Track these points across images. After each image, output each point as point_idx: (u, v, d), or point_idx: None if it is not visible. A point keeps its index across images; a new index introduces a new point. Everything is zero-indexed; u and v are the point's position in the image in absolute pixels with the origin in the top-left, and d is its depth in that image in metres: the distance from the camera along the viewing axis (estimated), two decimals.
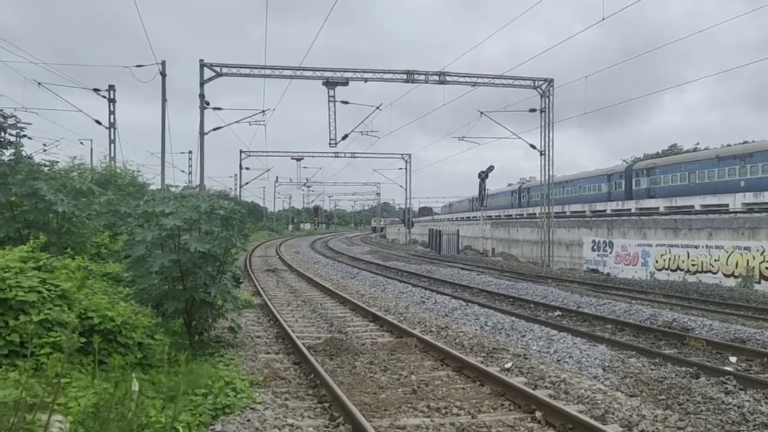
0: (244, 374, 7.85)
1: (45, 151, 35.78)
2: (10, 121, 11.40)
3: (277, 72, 29.87)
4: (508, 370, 8.74)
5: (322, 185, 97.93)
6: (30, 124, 11.43)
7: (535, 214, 39.57)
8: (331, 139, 34.36)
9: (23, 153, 12.03)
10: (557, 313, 15.28)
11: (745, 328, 12.43)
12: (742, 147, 33.94)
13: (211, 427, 5.66)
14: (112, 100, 32.42)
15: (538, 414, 6.59)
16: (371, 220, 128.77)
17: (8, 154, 11.54)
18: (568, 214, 42.33)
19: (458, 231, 51.59)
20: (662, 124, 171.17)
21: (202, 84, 29.01)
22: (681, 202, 32.75)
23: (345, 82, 30.30)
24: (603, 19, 21.95)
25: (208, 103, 29.96)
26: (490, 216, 52.00)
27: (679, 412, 7.05)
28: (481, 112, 33.91)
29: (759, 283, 20.95)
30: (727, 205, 28.81)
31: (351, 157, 60.02)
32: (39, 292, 6.51)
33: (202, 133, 29.44)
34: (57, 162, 11.97)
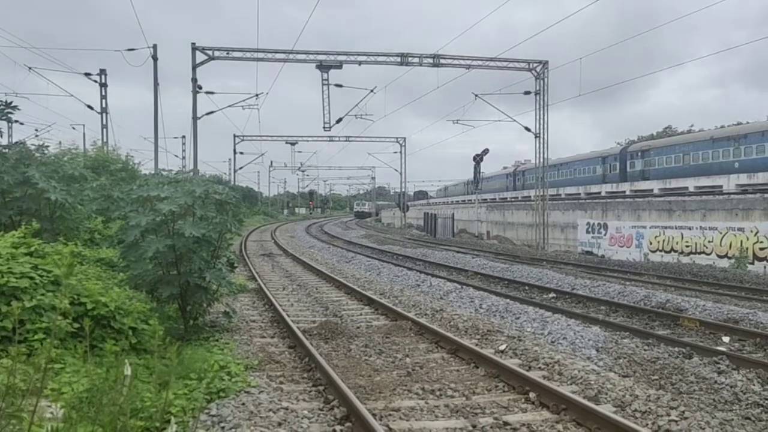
0: (239, 358, 7.86)
1: (37, 136, 35.60)
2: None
3: (269, 55, 29.65)
4: (502, 352, 8.78)
5: (316, 169, 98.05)
6: (18, 107, 11.24)
7: (530, 196, 39.61)
8: (325, 123, 34.23)
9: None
10: (552, 295, 15.34)
11: (739, 309, 12.50)
12: (736, 128, 33.96)
13: (206, 411, 5.67)
14: (103, 85, 32.16)
15: (532, 395, 6.63)
16: (354, 204, 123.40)
17: None
18: (562, 196, 42.41)
19: (453, 214, 51.61)
20: (658, 103, 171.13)
21: (194, 68, 28.80)
22: (675, 183, 32.83)
23: (339, 65, 30.13)
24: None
25: (200, 87, 29.77)
26: (485, 199, 52.05)
27: (671, 391, 7.10)
28: (476, 95, 33.82)
29: (752, 263, 21.07)
30: (721, 187, 28.88)
31: (345, 141, 59.93)
32: (31, 278, 6.49)
33: (195, 118, 29.27)
34: (47, 146, 11.82)
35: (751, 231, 21.44)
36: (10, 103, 11.16)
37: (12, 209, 10.36)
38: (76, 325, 6.06)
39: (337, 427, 5.79)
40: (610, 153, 43.19)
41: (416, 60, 29.99)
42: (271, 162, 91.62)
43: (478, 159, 48.78)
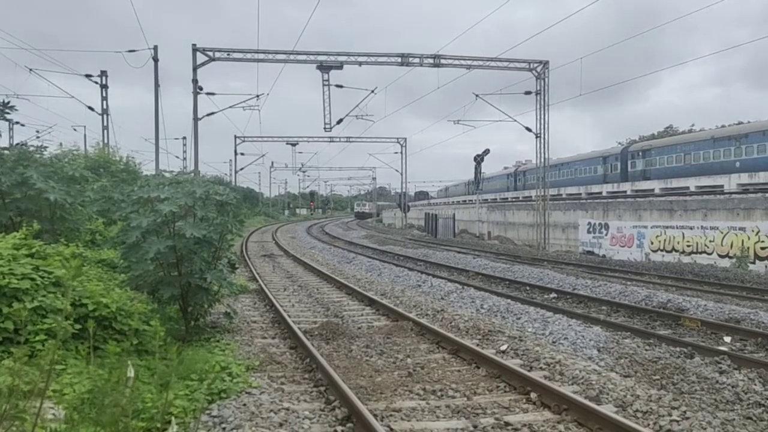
0: (240, 359, 7.87)
1: (38, 137, 35.63)
2: None
3: (270, 56, 29.66)
4: (503, 352, 8.77)
5: (317, 170, 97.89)
6: (15, 107, 11.16)
7: (530, 197, 39.60)
8: (326, 124, 34.22)
9: None
10: (553, 295, 15.34)
11: (740, 308, 12.50)
12: (737, 128, 33.93)
13: (207, 412, 5.67)
14: (104, 86, 32.18)
15: (533, 395, 6.63)
16: (354, 204, 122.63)
17: None
18: (563, 196, 42.39)
19: (454, 215, 51.61)
20: (659, 102, 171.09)
21: (195, 69, 28.80)
22: (676, 183, 32.81)
23: (339, 66, 30.13)
24: None
25: (201, 88, 29.78)
26: (486, 199, 52.04)
27: (673, 392, 7.09)
28: (477, 95, 33.83)
29: (753, 263, 21.06)
30: (722, 186, 28.86)
31: (346, 141, 59.96)
32: (32, 279, 6.50)
33: (195, 119, 29.27)
34: (46, 147, 11.80)
35: (753, 230, 21.42)
36: (8, 102, 11.10)
37: (12, 210, 10.37)
38: (78, 326, 6.08)
39: (339, 428, 5.79)
40: (611, 153, 43.19)
41: (417, 60, 29.99)
42: (272, 163, 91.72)
43: (478, 159, 48.76)
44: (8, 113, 11.22)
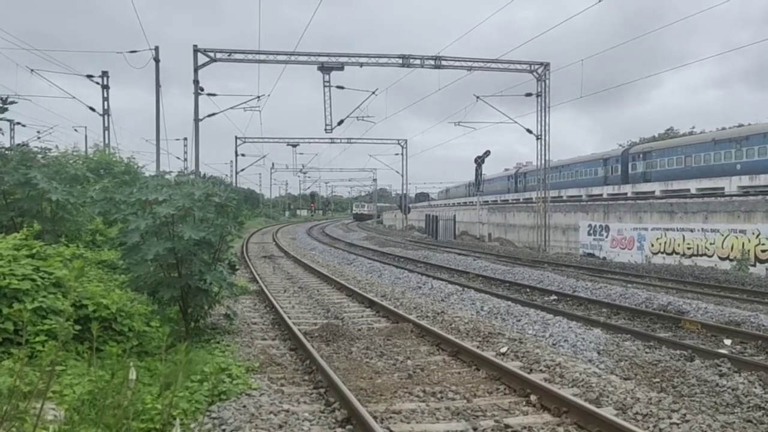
0: (240, 360, 7.87)
1: (39, 138, 35.60)
2: None
3: (271, 57, 29.68)
4: (503, 354, 8.77)
5: (318, 171, 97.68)
6: (14, 101, 11.08)
7: (531, 198, 39.60)
8: (326, 125, 34.19)
9: None
10: (553, 297, 15.33)
11: (740, 311, 12.49)
12: (738, 130, 33.92)
13: (207, 414, 5.67)
14: (105, 87, 32.19)
15: (533, 398, 6.63)
16: (353, 205, 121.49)
17: None
18: (564, 198, 42.38)
19: (455, 216, 51.61)
20: (661, 104, 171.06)
21: (196, 70, 28.81)
22: (677, 185, 32.80)
23: (340, 67, 30.13)
24: (599, 0, 21.73)
25: (202, 89, 29.80)
26: (487, 201, 52.03)
27: (673, 394, 7.09)
28: (477, 97, 33.85)
29: (754, 265, 21.05)
30: (723, 189, 28.85)
31: (347, 142, 59.94)
32: (33, 279, 6.50)
33: (196, 120, 29.28)
34: (50, 149, 11.82)
35: (753, 233, 21.42)
36: (6, 98, 11.01)
37: (13, 210, 10.38)
38: (78, 327, 6.09)
39: (338, 430, 5.79)
40: (611, 155, 43.18)
41: (418, 62, 29.98)
42: (273, 164, 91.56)
43: (479, 161, 48.75)
44: (6, 110, 11.18)
